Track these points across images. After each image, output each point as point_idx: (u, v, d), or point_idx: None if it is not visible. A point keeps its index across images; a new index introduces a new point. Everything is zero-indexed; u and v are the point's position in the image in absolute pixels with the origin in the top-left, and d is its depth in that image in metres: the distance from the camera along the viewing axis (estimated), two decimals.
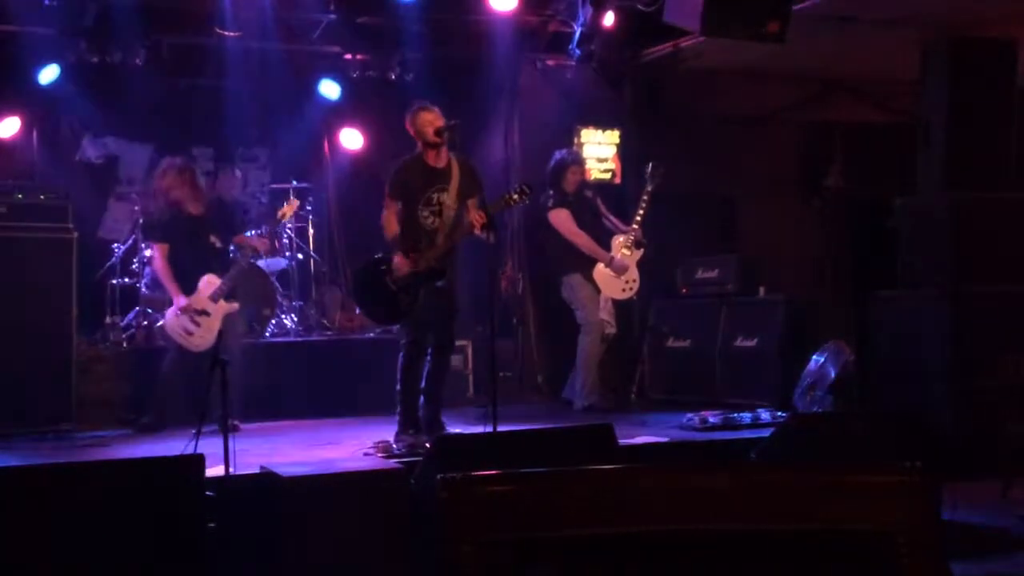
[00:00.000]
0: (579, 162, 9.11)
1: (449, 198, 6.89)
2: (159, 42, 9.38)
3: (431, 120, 6.87)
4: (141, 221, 9.07)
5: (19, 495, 4.53)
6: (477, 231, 6.67)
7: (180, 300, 7.80)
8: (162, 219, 8.13)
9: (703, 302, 9.41)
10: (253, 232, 8.53)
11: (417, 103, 7.05)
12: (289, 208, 8.42)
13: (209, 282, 7.85)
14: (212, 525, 4.77)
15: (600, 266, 8.74)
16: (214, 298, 7.83)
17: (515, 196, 6.82)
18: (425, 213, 6.89)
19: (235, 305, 7.95)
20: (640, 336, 9.77)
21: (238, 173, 9.98)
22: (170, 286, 7.89)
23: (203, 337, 7.78)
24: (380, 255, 7.03)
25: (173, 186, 7.99)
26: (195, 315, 7.79)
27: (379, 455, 6.17)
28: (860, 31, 9.11)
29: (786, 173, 11.17)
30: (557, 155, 9.00)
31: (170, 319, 7.89)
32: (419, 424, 6.91)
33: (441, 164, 6.94)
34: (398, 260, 6.81)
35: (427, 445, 6.03)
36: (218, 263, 7.96)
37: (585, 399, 8.63)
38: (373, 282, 6.97)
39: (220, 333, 7.72)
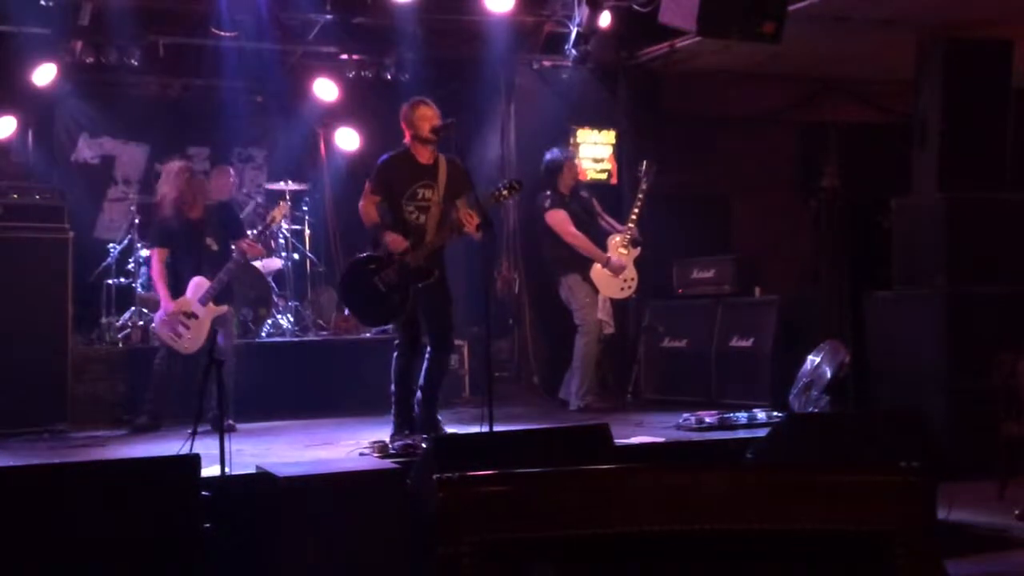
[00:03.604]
0: (571, 160, 9.12)
1: (435, 195, 6.87)
2: (155, 42, 9.36)
3: (428, 116, 6.86)
4: (137, 222, 9.07)
5: (15, 495, 4.52)
6: (470, 230, 6.65)
7: (168, 304, 7.81)
8: (159, 223, 8.12)
9: (699, 302, 9.41)
10: (251, 233, 8.51)
11: (417, 97, 7.05)
12: (279, 211, 8.41)
13: (198, 285, 7.85)
14: (208, 525, 4.77)
15: (597, 266, 8.74)
16: (202, 301, 7.83)
17: (504, 192, 6.83)
18: (410, 208, 6.86)
19: (224, 308, 7.95)
20: (636, 336, 9.77)
21: (231, 171, 9.96)
22: (160, 290, 7.89)
23: (192, 340, 7.80)
24: (366, 255, 7.00)
25: (177, 189, 7.96)
26: (183, 318, 7.79)
27: (375, 455, 6.16)
28: (856, 31, 9.11)
29: (782, 173, 11.17)
30: (548, 155, 9.01)
31: (158, 322, 7.90)
32: (414, 424, 6.91)
33: (428, 160, 6.93)
34: (391, 238, 6.75)
35: (423, 445, 6.03)
36: (212, 266, 7.93)
37: (581, 399, 8.64)
38: (361, 283, 6.89)
39: (211, 334, 7.72)
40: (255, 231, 8.53)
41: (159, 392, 7.90)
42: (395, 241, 6.76)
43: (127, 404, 8.30)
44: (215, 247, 8.00)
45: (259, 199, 10.18)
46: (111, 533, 4.49)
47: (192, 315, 7.81)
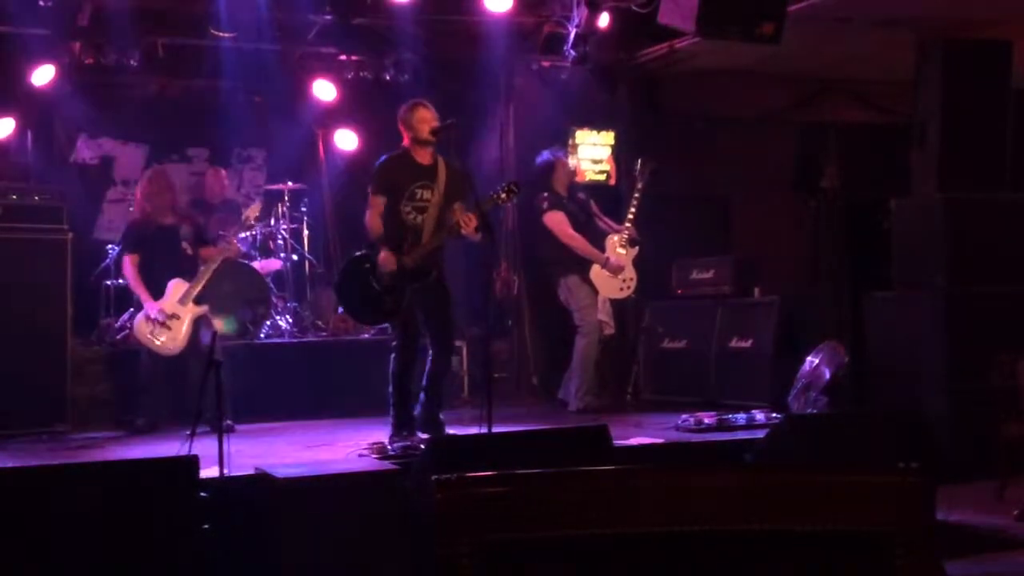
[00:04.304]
0: (562, 160, 9.11)
1: (434, 195, 6.86)
2: (154, 43, 9.37)
3: (427, 119, 6.86)
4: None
5: (13, 496, 4.52)
6: (468, 232, 6.64)
7: (150, 305, 7.86)
8: (132, 229, 8.23)
9: (698, 303, 9.40)
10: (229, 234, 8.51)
11: (414, 99, 7.05)
12: (253, 211, 8.43)
13: (177, 286, 7.92)
14: (206, 526, 4.77)
15: (596, 267, 8.73)
16: (182, 301, 7.89)
17: (503, 195, 6.82)
18: (408, 208, 6.85)
19: (204, 308, 8.00)
20: (635, 337, 9.76)
21: (223, 172, 9.98)
22: (140, 292, 7.98)
23: (173, 340, 7.85)
24: (363, 253, 7.00)
25: (150, 195, 8.15)
26: (165, 319, 7.82)
27: (374, 456, 6.16)
28: (855, 32, 9.11)
29: (781, 174, 11.17)
30: (540, 158, 9.01)
31: (138, 324, 7.93)
32: (413, 425, 6.90)
33: (427, 161, 6.93)
34: (384, 256, 6.75)
35: (422, 446, 6.03)
36: (189, 269, 8.04)
37: (581, 400, 8.62)
38: (356, 281, 6.91)
39: (199, 335, 7.82)
40: (230, 232, 8.51)
41: (150, 394, 7.94)
42: (386, 260, 6.74)
43: (126, 405, 8.29)
44: (190, 252, 8.13)
45: (258, 199, 10.15)
46: (110, 534, 4.49)
47: (173, 316, 7.87)
